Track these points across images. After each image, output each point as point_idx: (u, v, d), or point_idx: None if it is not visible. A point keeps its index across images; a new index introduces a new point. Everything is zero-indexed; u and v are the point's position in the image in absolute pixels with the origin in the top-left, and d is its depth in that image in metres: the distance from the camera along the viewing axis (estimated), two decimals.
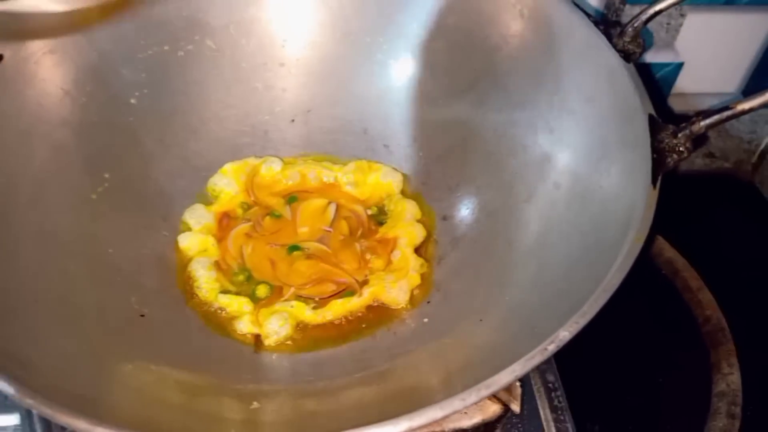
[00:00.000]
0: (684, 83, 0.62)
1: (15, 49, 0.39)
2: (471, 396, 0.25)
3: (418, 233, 0.45)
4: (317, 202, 0.47)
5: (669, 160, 0.33)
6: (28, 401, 0.25)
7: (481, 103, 0.48)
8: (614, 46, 0.39)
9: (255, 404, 0.34)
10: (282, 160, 0.50)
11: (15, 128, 0.39)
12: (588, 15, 0.40)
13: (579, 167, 0.40)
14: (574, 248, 0.36)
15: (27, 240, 0.37)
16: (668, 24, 0.58)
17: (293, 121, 0.52)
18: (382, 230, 0.46)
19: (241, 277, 0.43)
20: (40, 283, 0.36)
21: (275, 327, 0.39)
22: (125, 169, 0.45)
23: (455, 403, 0.25)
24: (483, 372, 0.28)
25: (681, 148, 0.32)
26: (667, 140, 0.33)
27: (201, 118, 0.50)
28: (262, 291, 0.42)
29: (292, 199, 0.48)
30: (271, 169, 0.50)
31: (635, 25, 0.38)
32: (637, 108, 0.35)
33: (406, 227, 0.45)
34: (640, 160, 0.33)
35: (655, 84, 0.58)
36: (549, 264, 0.37)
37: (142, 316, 0.39)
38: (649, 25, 0.55)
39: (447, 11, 0.46)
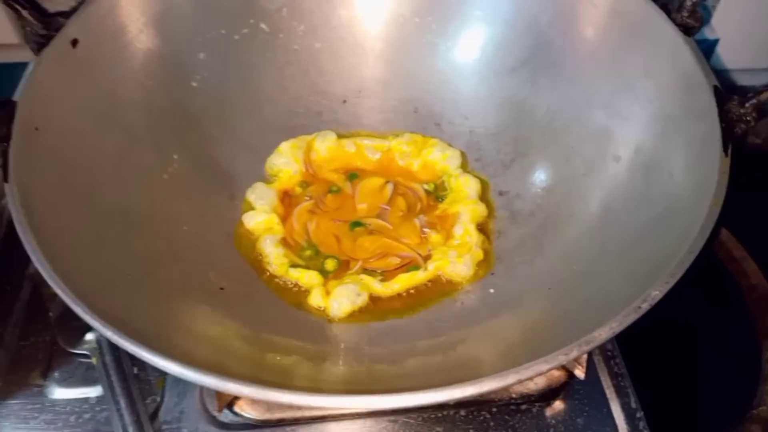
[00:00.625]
0: (719, 59, 0.63)
1: (88, 33, 0.40)
2: (573, 351, 0.26)
3: (481, 210, 0.46)
4: (375, 180, 0.48)
5: (737, 129, 0.34)
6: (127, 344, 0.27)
7: (534, 81, 0.49)
8: (673, 21, 0.40)
9: (325, 364, 0.36)
10: (336, 133, 0.51)
11: (90, 111, 0.41)
12: None
13: (640, 140, 0.41)
14: (642, 218, 0.37)
15: (111, 219, 0.38)
16: (705, 1, 0.59)
17: (345, 101, 0.53)
18: (442, 206, 0.47)
19: (308, 252, 0.45)
20: (129, 259, 0.37)
21: (347, 299, 0.41)
22: (191, 150, 0.47)
23: (559, 358, 0.26)
24: (563, 335, 0.30)
25: (748, 117, 0.34)
26: (734, 110, 0.34)
27: (256, 100, 0.51)
28: (330, 264, 0.44)
29: (352, 176, 0.49)
30: (326, 141, 0.50)
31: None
32: (701, 81, 0.36)
33: (468, 203, 0.46)
34: (708, 130, 0.35)
35: None
36: (616, 234, 0.39)
37: (222, 289, 0.41)
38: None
39: None
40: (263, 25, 0.50)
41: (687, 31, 0.39)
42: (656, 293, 0.28)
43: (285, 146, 0.50)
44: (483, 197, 0.47)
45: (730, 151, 0.33)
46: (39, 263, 0.29)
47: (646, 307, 0.28)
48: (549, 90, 0.48)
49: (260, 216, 0.45)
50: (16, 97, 0.36)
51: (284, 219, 0.47)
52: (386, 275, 0.43)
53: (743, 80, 0.65)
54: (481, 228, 0.46)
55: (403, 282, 0.42)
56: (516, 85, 0.50)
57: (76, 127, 0.39)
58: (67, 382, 0.43)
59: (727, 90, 0.55)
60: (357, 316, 0.41)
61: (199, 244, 0.42)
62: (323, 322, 0.40)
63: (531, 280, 0.40)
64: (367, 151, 0.51)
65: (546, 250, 0.42)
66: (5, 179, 0.32)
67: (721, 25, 0.60)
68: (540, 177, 0.47)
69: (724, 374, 0.49)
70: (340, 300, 0.41)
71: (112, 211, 0.39)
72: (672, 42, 0.39)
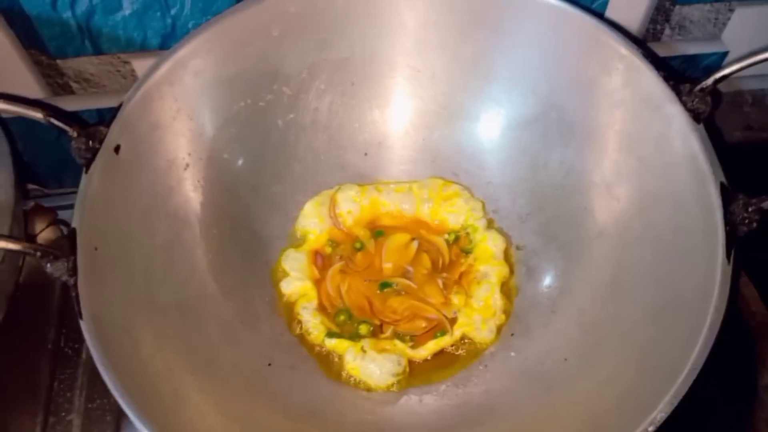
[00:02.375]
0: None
1: (128, 136, 0.43)
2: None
3: (505, 271, 0.49)
4: (400, 238, 0.52)
5: (740, 232, 0.37)
6: None
7: (546, 136, 0.51)
8: (683, 104, 0.42)
9: None
10: (357, 185, 0.54)
11: (137, 210, 0.43)
12: (658, 69, 0.43)
13: (650, 214, 0.44)
14: (651, 295, 0.41)
15: (171, 312, 0.42)
16: (716, 19, 0.60)
17: (366, 154, 0.55)
18: (467, 261, 0.50)
19: (342, 317, 0.49)
20: (189, 350, 0.42)
21: (387, 369, 0.45)
22: (227, 221, 0.50)
23: None
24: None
25: (751, 221, 0.36)
26: (738, 212, 0.37)
27: (283, 161, 0.53)
28: (364, 329, 0.48)
29: (378, 233, 0.52)
30: (349, 194, 0.53)
31: (705, 86, 0.41)
32: (707, 175, 0.39)
33: (495, 264, 0.49)
34: (711, 228, 0.38)
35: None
36: (627, 306, 0.42)
37: (269, 365, 0.45)
38: (698, 19, 0.57)
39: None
40: (286, 89, 0.52)
41: (696, 116, 0.41)
42: (662, 415, 0.32)
43: (309, 207, 0.53)
44: (505, 254, 0.50)
45: (732, 258, 0.36)
46: (122, 401, 0.33)
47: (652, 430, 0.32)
48: (563, 147, 0.50)
49: (295, 283, 0.49)
50: (74, 222, 0.39)
51: (318, 282, 0.50)
52: (415, 340, 0.47)
53: (751, 86, 0.67)
54: (502, 286, 0.49)
55: (431, 348, 0.46)
56: (530, 138, 0.52)
57: (128, 230, 0.42)
58: None
59: (732, 95, 0.57)
60: (393, 384, 0.45)
61: (245, 320, 0.46)
62: (363, 393, 0.45)
63: (548, 347, 0.44)
64: (388, 200, 0.53)
65: (560, 314, 0.46)
66: (80, 315, 0.36)
67: (730, 40, 0.61)
68: (554, 234, 0.50)
69: (720, 400, 0.52)
70: (381, 369, 0.45)
71: (169, 308, 0.42)
72: (681, 126, 0.41)
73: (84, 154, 0.40)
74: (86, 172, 0.40)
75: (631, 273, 0.44)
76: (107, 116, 0.58)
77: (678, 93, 0.42)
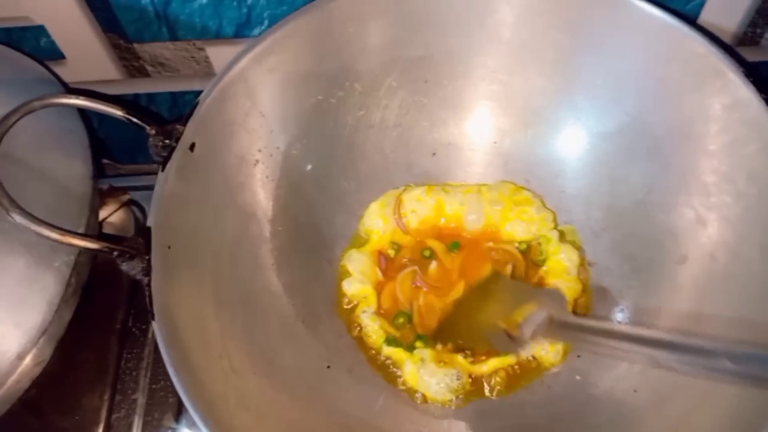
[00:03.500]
0: None
1: (202, 133, 0.43)
2: None
3: (578, 288, 0.47)
4: (477, 258, 0.50)
5: None
6: None
7: (630, 149, 0.48)
8: None
9: None
10: (425, 186, 0.53)
11: (209, 207, 0.44)
12: (761, 92, 0.40)
13: (739, 246, 0.41)
14: (734, 332, 0.39)
15: (237, 310, 0.43)
16: None
17: (434, 154, 0.54)
18: (538, 273, 0.48)
19: (401, 320, 0.48)
20: (253, 348, 0.42)
21: (443, 382, 0.45)
22: (293, 218, 0.50)
23: None
24: None
25: None
26: None
27: (351, 159, 0.53)
28: (420, 344, 0.47)
29: (454, 245, 0.50)
30: (413, 195, 0.52)
31: None
32: None
33: (568, 280, 0.47)
34: None
35: None
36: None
37: (328, 367, 0.45)
38: None
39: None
40: (357, 86, 0.51)
41: None
42: None
43: (374, 206, 0.52)
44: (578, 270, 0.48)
45: None
46: (191, 407, 0.34)
47: None
48: (646, 162, 0.47)
49: (356, 285, 0.49)
50: (149, 222, 0.39)
51: (380, 284, 0.50)
52: (476, 356, 0.46)
53: None
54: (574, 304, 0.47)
55: (493, 365, 0.45)
56: (611, 150, 0.49)
57: (199, 227, 0.43)
58: None
59: None
60: (450, 399, 0.45)
61: (307, 320, 0.47)
62: (417, 404, 0.45)
63: (616, 374, 0.43)
64: (456, 201, 0.52)
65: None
66: (151, 315, 0.37)
67: None
68: (630, 254, 0.48)
69: None
70: (439, 383, 0.44)
71: (235, 306, 0.43)
72: None
73: (160, 152, 0.40)
74: (162, 170, 0.40)
75: (714, 306, 0.41)
76: (180, 100, 0.60)
77: None
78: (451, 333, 0.45)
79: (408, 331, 0.48)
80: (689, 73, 0.43)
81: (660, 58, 0.44)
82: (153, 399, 0.52)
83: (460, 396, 0.45)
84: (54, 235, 0.34)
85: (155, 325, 0.35)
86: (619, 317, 0.46)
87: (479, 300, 0.46)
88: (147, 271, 0.37)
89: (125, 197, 0.56)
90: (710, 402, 0.37)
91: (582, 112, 0.50)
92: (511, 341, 0.42)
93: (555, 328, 0.40)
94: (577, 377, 0.44)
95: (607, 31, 0.46)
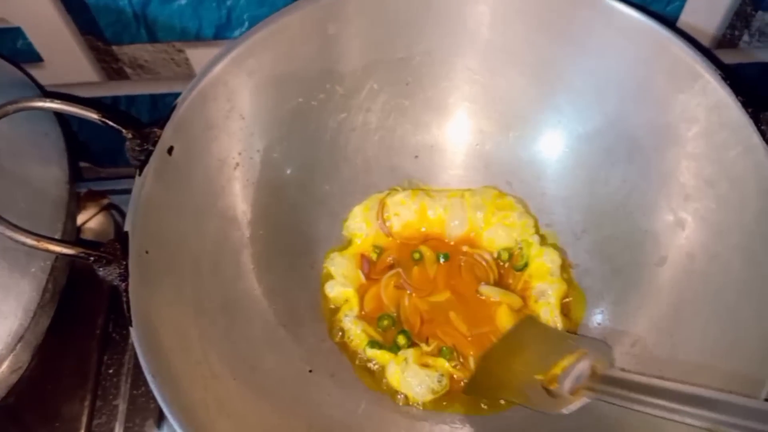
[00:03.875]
0: None
1: (181, 137, 0.42)
2: None
3: (564, 288, 0.47)
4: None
5: None
6: None
7: (609, 150, 0.49)
8: (762, 134, 0.39)
9: None
10: (409, 190, 0.52)
11: (189, 209, 0.44)
12: (737, 94, 0.40)
13: (717, 246, 0.41)
14: (713, 332, 0.39)
15: (217, 316, 0.43)
16: None
17: (417, 157, 0.54)
18: (522, 277, 0.48)
19: (386, 322, 0.48)
20: (234, 353, 0.42)
21: (425, 384, 0.45)
22: (274, 221, 0.49)
23: None
24: None
25: None
26: None
27: (333, 162, 0.52)
28: (402, 340, 0.47)
29: (445, 256, 0.50)
30: (397, 200, 0.52)
31: None
32: None
33: (552, 281, 0.47)
34: None
35: None
36: (686, 342, 0.40)
37: (310, 371, 0.45)
38: None
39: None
40: (339, 88, 0.50)
41: None
42: None
43: (358, 210, 0.52)
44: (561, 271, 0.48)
45: None
46: (171, 415, 0.34)
47: None
48: (626, 164, 0.47)
49: (338, 288, 0.49)
50: (126, 226, 0.39)
51: (363, 287, 0.50)
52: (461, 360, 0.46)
53: None
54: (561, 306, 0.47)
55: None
56: (592, 152, 0.50)
57: (178, 232, 0.42)
58: None
59: None
60: (438, 403, 0.45)
61: (287, 323, 0.46)
62: (400, 406, 0.45)
63: None
64: (439, 206, 0.52)
65: (611, 342, 0.44)
66: (129, 322, 0.36)
67: None
68: (610, 255, 0.48)
69: None
70: (421, 384, 0.44)
71: (215, 311, 0.43)
72: (759, 158, 0.38)
73: (138, 156, 0.40)
74: (139, 175, 0.40)
75: (693, 307, 0.41)
76: (160, 102, 0.59)
77: (758, 122, 0.39)
78: (483, 386, 0.43)
79: (391, 333, 0.48)
80: (669, 75, 0.44)
81: (640, 60, 0.45)
82: (134, 405, 0.51)
83: (442, 399, 0.44)
84: (29, 240, 0.34)
85: (133, 332, 0.35)
86: (598, 319, 0.46)
87: (513, 349, 0.43)
88: (124, 277, 0.36)
89: (104, 201, 0.56)
90: None
91: (563, 114, 0.50)
92: (549, 396, 0.38)
93: (599, 383, 0.37)
94: None
95: (587, 33, 0.46)
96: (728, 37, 0.53)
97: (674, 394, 0.34)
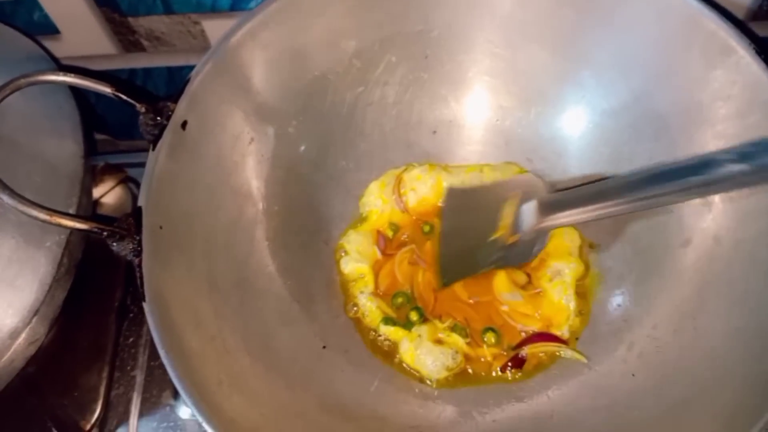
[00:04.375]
0: None
1: (195, 111, 0.42)
2: None
3: (581, 269, 0.46)
4: None
5: None
6: None
7: (636, 127, 0.47)
8: None
9: None
10: (428, 165, 0.51)
11: (203, 185, 0.43)
12: None
13: (743, 230, 0.40)
14: (735, 318, 0.38)
15: (231, 291, 0.42)
16: None
17: (435, 132, 0.53)
18: (541, 255, 0.46)
19: (400, 299, 0.48)
20: (247, 329, 0.42)
21: (439, 360, 0.44)
22: (288, 198, 0.49)
23: None
24: None
25: None
26: None
27: (349, 137, 0.51)
28: (414, 316, 0.47)
29: None
30: (413, 175, 0.51)
31: None
32: None
33: (570, 260, 0.45)
34: None
35: None
36: (708, 327, 0.39)
37: (324, 348, 0.45)
38: None
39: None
40: (356, 61, 0.49)
41: None
42: None
43: (374, 186, 0.51)
44: (580, 251, 0.47)
45: None
46: (183, 391, 0.34)
47: None
48: (652, 141, 0.46)
49: (353, 264, 0.48)
50: (140, 201, 0.39)
51: (378, 264, 0.49)
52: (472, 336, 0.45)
53: None
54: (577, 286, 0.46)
55: (490, 351, 0.45)
56: (616, 128, 0.48)
57: (192, 207, 0.42)
58: None
59: None
60: (448, 380, 0.44)
61: (301, 300, 0.46)
62: (415, 384, 0.44)
63: (615, 358, 0.42)
64: (457, 181, 0.51)
65: (632, 324, 0.43)
66: (142, 297, 0.36)
67: None
68: (633, 236, 0.46)
69: None
70: (435, 361, 0.44)
71: (229, 287, 0.42)
72: None
73: (151, 131, 0.39)
74: (153, 150, 0.39)
75: (716, 291, 0.40)
76: (177, 75, 0.58)
77: None
78: (453, 274, 0.43)
79: (405, 310, 0.47)
80: (699, 50, 0.42)
81: (669, 34, 0.43)
82: (152, 376, 0.52)
83: (456, 376, 0.44)
84: (42, 215, 0.34)
85: (146, 307, 0.35)
86: (618, 300, 0.45)
87: (457, 226, 0.44)
88: (137, 252, 0.36)
89: (121, 175, 0.56)
90: (709, 394, 0.36)
91: (587, 90, 0.48)
92: (516, 248, 0.38)
93: (547, 212, 0.38)
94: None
95: (615, 5, 0.44)
96: (765, 9, 0.50)
97: (613, 190, 0.36)
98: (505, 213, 0.39)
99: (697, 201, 0.43)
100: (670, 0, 0.42)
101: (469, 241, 0.42)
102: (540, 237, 0.40)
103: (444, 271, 0.44)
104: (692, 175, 0.31)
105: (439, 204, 0.49)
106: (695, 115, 0.43)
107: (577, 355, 0.43)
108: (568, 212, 0.38)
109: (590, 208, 0.37)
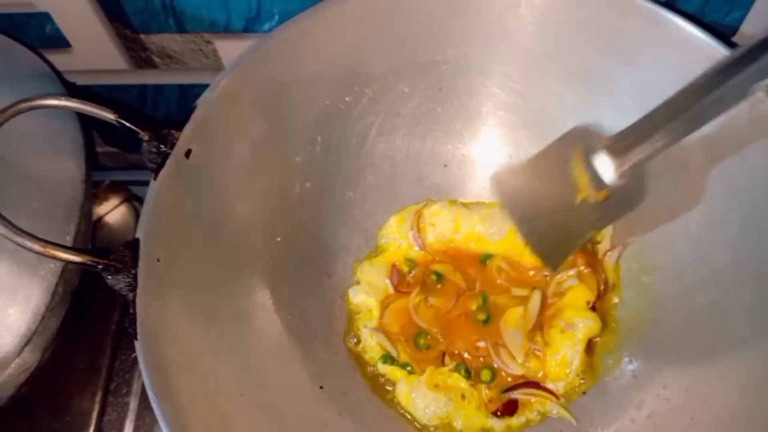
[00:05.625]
0: None
1: (200, 140, 0.41)
2: None
3: (596, 327, 0.44)
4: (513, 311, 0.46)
5: None
6: None
7: (656, 173, 0.45)
8: None
9: None
10: (447, 201, 0.50)
11: (203, 216, 0.42)
12: None
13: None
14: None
15: (227, 327, 0.41)
16: None
17: (446, 166, 0.52)
18: (555, 305, 0.45)
19: (421, 341, 0.46)
20: (242, 366, 0.41)
21: (432, 406, 0.43)
22: (293, 228, 0.48)
23: None
24: None
25: None
26: None
27: (358, 168, 0.50)
28: (421, 341, 0.46)
29: (485, 257, 0.48)
30: (432, 211, 0.50)
31: None
32: None
33: (586, 316, 0.44)
34: None
35: None
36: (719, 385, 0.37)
37: (321, 388, 0.44)
38: None
39: None
40: (368, 91, 0.48)
41: None
42: None
43: (393, 220, 0.50)
44: None
45: None
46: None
47: None
48: (672, 191, 0.44)
49: (362, 295, 0.47)
50: (138, 233, 0.37)
51: (390, 299, 0.48)
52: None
53: None
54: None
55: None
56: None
57: (192, 238, 0.41)
58: None
59: None
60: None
61: (300, 336, 0.45)
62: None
63: (625, 420, 0.40)
64: (478, 217, 0.49)
65: (643, 381, 0.41)
66: (134, 336, 0.35)
67: None
68: (648, 285, 0.45)
69: None
70: (428, 407, 0.43)
71: (226, 323, 0.41)
72: None
73: (154, 159, 0.38)
74: (155, 179, 0.38)
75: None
76: (188, 92, 0.58)
77: None
78: (557, 254, 0.39)
79: (429, 352, 0.46)
80: None
81: (690, 74, 0.41)
82: (145, 403, 0.51)
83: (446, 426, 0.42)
84: (36, 247, 0.33)
85: (138, 346, 0.34)
86: (634, 358, 0.43)
87: (530, 210, 0.39)
88: (132, 287, 0.35)
89: (126, 194, 0.55)
90: None
91: (605, 130, 0.46)
92: (615, 200, 0.34)
93: (622, 153, 0.33)
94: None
95: (636, 44, 0.43)
96: None
97: (689, 91, 0.31)
98: (576, 173, 0.35)
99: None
100: (692, 41, 0.40)
101: (555, 216, 0.37)
102: (635, 177, 0.35)
103: (545, 256, 0.39)
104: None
105: (496, 200, 0.47)
106: (715, 161, 0.41)
107: (565, 414, 0.41)
108: (644, 144, 0.33)
109: (667, 129, 0.32)
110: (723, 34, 0.44)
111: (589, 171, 0.35)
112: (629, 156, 0.34)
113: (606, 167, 0.34)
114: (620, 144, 0.34)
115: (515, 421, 0.43)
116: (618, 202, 0.35)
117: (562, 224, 0.37)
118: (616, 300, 0.45)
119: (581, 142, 0.35)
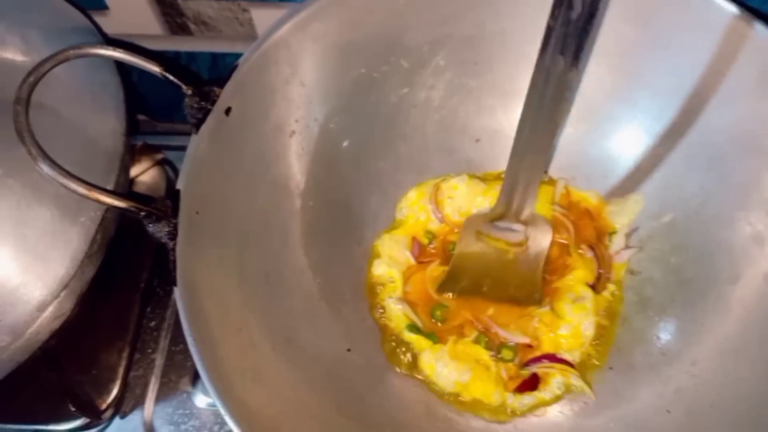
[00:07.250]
0: None
1: (240, 98, 0.41)
2: None
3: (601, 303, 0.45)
4: None
5: None
6: None
7: (689, 155, 0.45)
8: None
9: None
10: (467, 176, 0.50)
11: (242, 173, 0.43)
12: None
13: None
14: None
15: (260, 284, 0.42)
16: None
17: (478, 140, 0.52)
18: (566, 278, 0.46)
19: (438, 312, 0.47)
20: (273, 324, 0.41)
21: (452, 377, 0.43)
22: (325, 194, 0.48)
23: None
24: None
25: None
26: None
27: (390, 139, 0.50)
28: (438, 312, 0.46)
29: None
30: (450, 185, 0.50)
31: None
32: None
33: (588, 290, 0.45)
34: None
35: None
36: (750, 368, 0.37)
37: (348, 350, 0.44)
38: None
39: None
40: (403, 62, 0.48)
41: None
42: None
43: (412, 193, 0.50)
44: None
45: None
46: (207, 379, 0.33)
47: None
48: (705, 171, 0.44)
49: (384, 267, 0.47)
50: (179, 184, 0.38)
51: (411, 270, 0.48)
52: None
53: None
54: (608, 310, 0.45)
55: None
56: (668, 154, 0.46)
57: (229, 195, 0.41)
58: None
59: None
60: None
61: (330, 299, 0.45)
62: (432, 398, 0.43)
63: (649, 392, 0.41)
64: (494, 194, 0.50)
65: (670, 358, 0.42)
66: (173, 282, 0.36)
67: None
68: (677, 266, 0.45)
69: None
70: (450, 375, 0.43)
71: (258, 279, 0.42)
72: None
73: (195, 114, 0.39)
74: (196, 133, 0.39)
75: (762, 332, 0.38)
76: (220, 61, 0.58)
77: None
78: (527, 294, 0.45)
79: (448, 324, 0.46)
80: (762, 79, 0.40)
81: (732, 60, 0.41)
82: (171, 361, 0.51)
83: None
84: (81, 189, 0.33)
85: (177, 292, 0.35)
86: (658, 331, 0.43)
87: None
88: (173, 235, 0.36)
89: (159, 156, 0.55)
90: None
91: (640, 111, 0.47)
92: (531, 244, 0.43)
93: (503, 215, 0.42)
94: (606, 391, 0.42)
95: (676, 26, 0.43)
96: None
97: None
98: (494, 244, 0.43)
99: (748, 234, 0.41)
100: (733, 25, 0.40)
101: (506, 273, 0.45)
102: (536, 221, 0.42)
103: (523, 300, 0.46)
104: None
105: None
106: (752, 147, 0.41)
107: (585, 387, 0.41)
108: (516, 193, 0.40)
109: (525, 169, 0.38)
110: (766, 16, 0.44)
111: (500, 236, 0.42)
112: (515, 209, 0.41)
113: (505, 228, 0.42)
114: (500, 207, 0.41)
115: (539, 395, 0.43)
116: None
117: (515, 275, 0.45)
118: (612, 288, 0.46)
119: (474, 226, 0.43)
